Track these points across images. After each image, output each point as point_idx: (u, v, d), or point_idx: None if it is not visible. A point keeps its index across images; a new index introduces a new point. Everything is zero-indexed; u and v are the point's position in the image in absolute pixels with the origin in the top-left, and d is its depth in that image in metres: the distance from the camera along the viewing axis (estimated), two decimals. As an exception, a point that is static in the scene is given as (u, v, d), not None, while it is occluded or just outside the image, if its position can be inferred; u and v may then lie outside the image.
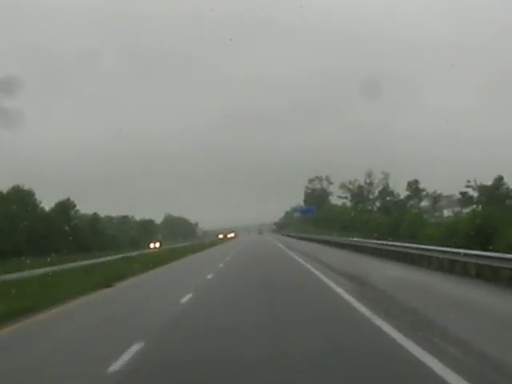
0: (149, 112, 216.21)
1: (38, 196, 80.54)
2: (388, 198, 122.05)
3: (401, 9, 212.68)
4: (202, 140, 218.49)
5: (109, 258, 48.30)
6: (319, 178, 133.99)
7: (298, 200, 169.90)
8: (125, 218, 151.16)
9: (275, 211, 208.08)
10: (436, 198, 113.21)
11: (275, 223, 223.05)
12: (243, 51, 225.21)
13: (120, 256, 51.85)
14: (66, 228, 69.00)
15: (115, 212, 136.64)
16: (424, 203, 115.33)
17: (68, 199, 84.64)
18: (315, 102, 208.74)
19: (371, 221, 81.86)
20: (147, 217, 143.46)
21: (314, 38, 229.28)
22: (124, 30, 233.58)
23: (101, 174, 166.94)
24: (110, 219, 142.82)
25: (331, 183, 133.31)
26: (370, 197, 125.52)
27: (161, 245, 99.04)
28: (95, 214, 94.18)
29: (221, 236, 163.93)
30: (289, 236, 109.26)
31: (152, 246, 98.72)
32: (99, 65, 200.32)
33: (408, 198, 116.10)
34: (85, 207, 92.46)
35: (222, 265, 35.28)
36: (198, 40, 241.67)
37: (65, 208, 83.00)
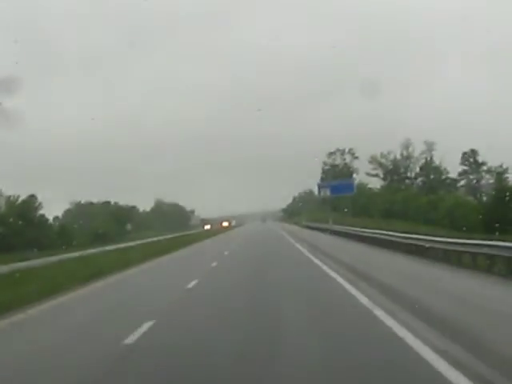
0: (146, 97, 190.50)
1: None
2: (433, 176, 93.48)
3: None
4: (202, 125, 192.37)
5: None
6: (341, 151, 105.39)
7: (308, 184, 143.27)
8: (106, 204, 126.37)
9: (282, 198, 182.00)
10: (501, 174, 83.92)
11: (283, 210, 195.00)
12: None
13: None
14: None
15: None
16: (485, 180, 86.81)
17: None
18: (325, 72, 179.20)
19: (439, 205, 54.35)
20: (137, 203, 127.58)
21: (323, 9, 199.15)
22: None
23: (96, 161, 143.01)
24: (89, 205, 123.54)
25: (356, 157, 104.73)
26: (408, 174, 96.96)
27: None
28: (32, 195, 65.60)
29: (207, 227, 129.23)
30: (317, 230, 65.24)
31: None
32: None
33: (463, 174, 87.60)
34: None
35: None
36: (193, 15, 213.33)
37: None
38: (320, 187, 69.77)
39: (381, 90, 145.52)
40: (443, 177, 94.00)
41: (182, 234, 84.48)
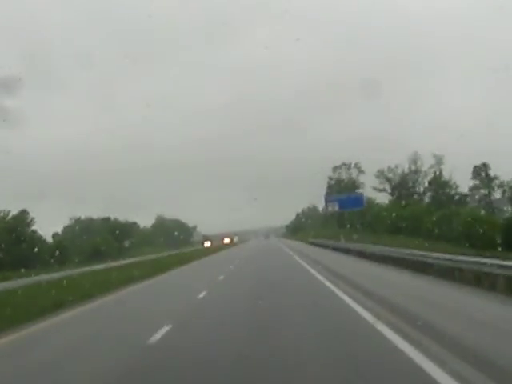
0: (147, 113, 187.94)
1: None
2: (442, 191, 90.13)
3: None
4: (204, 141, 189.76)
5: None
6: (346, 166, 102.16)
7: (312, 200, 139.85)
8: (106, 220, 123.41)
9: (285, 214, 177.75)
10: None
11: (286, 226, 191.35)
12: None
13: None
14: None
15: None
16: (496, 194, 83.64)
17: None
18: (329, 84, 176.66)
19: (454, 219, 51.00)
20: (139, 220, 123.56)
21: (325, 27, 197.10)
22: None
23: (97, 178, 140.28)
24: (90, 221, 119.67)
25: (362, 171, 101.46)
26: (417, 189, 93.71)
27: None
28: (24, 211, 62.46)
29: (207, 244, 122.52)
30: (326, 248, 54.67)
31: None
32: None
33: (474, 188, 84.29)
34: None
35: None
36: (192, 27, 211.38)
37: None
38: (327, 201, 65.28)
39: (385, 103, 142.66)
40: (452, 192, 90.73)
41: (178, 252, 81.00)
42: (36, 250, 55.39)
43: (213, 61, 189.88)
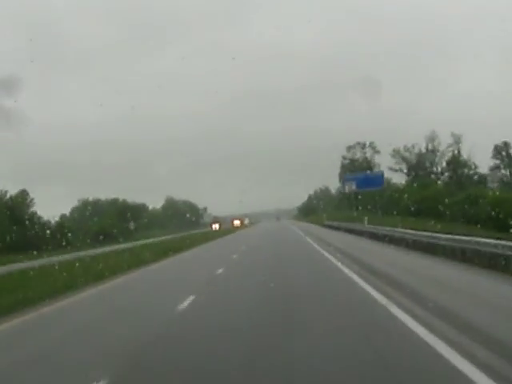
0: (156, 94, 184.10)
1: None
2: (461, 171, 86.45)
3: None
4: (214, 122, 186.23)
5: None
6: (361, 145, 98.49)
7: (324, 181, 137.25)
8: (114, 201, 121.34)
9: (297, 196, 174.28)
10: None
11: (298, 208, 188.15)
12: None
13: None
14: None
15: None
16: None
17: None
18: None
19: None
20: (149, 201, 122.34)
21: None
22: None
23: (107, 158, 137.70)
24: (97, 202, 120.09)
25: (377, 151, 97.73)
26: (434, 169, 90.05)
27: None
28: (24, 191, 59.48)
29: (215, 226, 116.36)
30: (347, 232, 51.50)
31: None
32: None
33: (495, 168, 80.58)
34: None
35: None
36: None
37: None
38: (345, 180, 61.44)
39: (385, 88, 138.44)
40: (471, 172, 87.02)
41: (186, 233, 77.86)
42: (34, 232, 52.57)
43: (225, 42, 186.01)
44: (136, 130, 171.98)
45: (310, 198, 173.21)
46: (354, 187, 57.98)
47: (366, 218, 48.16)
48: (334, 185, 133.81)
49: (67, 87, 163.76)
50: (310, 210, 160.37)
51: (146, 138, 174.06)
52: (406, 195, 62.79)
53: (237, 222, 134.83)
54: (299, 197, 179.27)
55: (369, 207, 71.02)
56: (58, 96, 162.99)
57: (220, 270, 22.20)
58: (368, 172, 66.87)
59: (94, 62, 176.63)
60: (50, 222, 71.32)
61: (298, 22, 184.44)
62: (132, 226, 76.05)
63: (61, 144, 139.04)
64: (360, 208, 66.74)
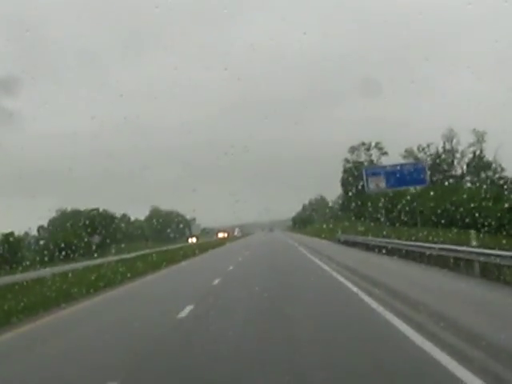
0: (146, 101, 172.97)
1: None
2: (485, 174, 73.77)
3: None
4: (204, 131, 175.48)
5: None
6: (366, 146, 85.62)
7: (319, 191, 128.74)
8: (94, 211, 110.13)
9: (290, 207, 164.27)
10: None
11: (292, 218, 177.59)
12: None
13: None
14: None
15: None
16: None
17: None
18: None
19: None
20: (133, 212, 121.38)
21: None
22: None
23: (90, 168, 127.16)
24: (76, 212, 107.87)
25: (385, 153, 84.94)
26: (453, 172, 77.25)
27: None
28: None
29: (192, 240, 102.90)
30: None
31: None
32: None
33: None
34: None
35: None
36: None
37: None
38: (368, 175, 43.03)
39: (384, 91, 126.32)
40: (496, 175, 74.38)
41: (158, 249, 64.27)
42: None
43: (215, 47, 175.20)
44: (123, 139, 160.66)
45: (304, 207, 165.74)
46: (383, 185, 41.45)
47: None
48: (329, 195, 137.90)
49: (56, 98, 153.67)
50: (305, 221, 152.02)
51: (133, 148, 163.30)
52: (431, 204, 49.34)
53: (221, 235, 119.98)
54: (293, 207, 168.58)
55: (378, 216, 58.91)
56: (45, 106, 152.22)
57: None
58: (402, 163, 50.33)
59: (81, 72, 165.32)
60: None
61: (293, 31, 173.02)
62: (97, 239, 62.79)
63: (46, 154, 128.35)
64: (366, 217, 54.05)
